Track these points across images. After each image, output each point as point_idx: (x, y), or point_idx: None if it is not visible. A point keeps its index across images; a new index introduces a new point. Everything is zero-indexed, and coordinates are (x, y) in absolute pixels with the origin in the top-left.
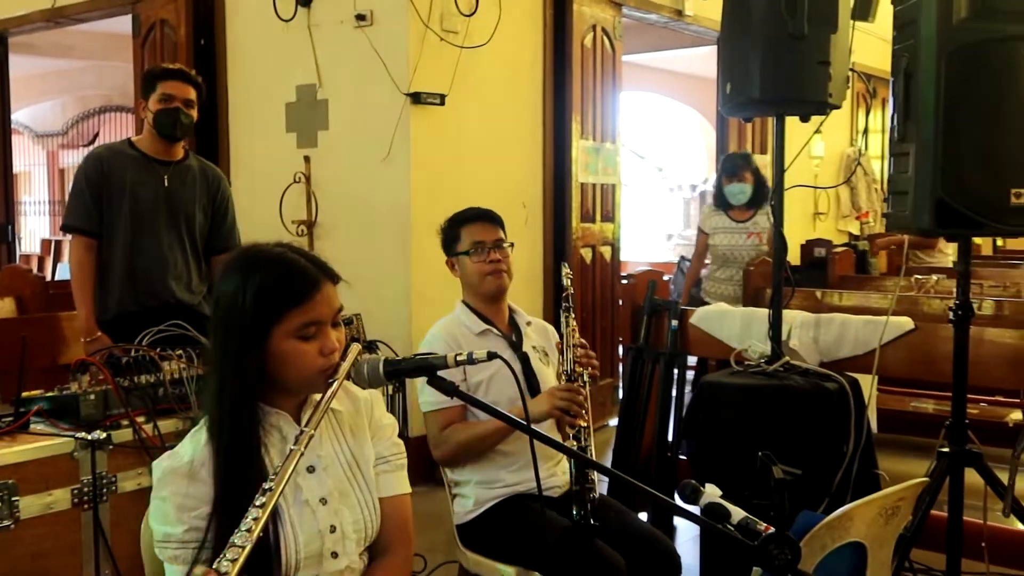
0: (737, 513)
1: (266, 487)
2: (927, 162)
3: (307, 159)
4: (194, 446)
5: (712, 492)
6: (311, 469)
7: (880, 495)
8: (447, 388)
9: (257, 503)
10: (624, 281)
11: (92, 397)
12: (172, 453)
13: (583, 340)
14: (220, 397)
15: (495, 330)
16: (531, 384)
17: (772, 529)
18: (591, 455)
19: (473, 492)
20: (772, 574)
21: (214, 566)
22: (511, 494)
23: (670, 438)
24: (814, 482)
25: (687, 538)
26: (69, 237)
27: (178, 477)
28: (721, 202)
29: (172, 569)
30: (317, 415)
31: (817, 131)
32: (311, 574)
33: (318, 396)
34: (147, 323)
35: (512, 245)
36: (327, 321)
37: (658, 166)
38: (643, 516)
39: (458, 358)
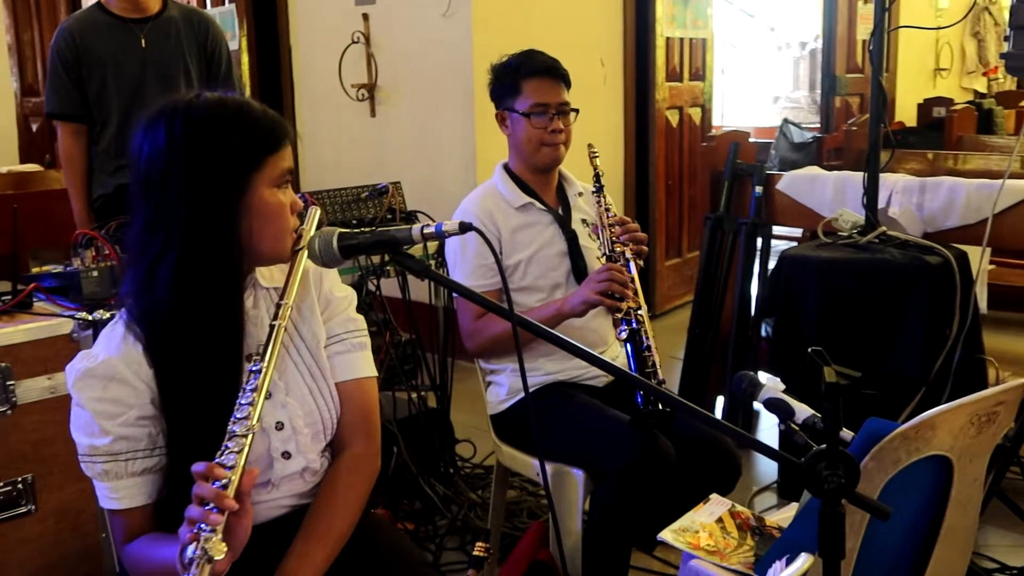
0: (802, 410)
1: (253, 368)
2: None
3: (365, 17)
4: (108, 342)
5: (772, 386)
6: (251, 359)
7: (972, 399)
8: (415, 268)
9: (248, 387)
10: (705, 144)
11: (95, 274)
12: (85, 354)
13: (624, 217)
14: (185, 273)
15: (539, 204)
16: (578, 266)
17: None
18: (646, 336)
19: (507, 380)
20: (822, 499)
21: (217, 458)
22: (549, 382)
23: (751, 316)
24: (911, 369)
25: (770, 424)
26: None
27: (94, 379)
28: None
29: (103, 487)
30: (292, 284)
31: None
32: (261, 479)
33: (263, 279)
34: None
35: (577, 112)
36: (290, 176)
37: (769, 25)
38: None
39: (424, 230)
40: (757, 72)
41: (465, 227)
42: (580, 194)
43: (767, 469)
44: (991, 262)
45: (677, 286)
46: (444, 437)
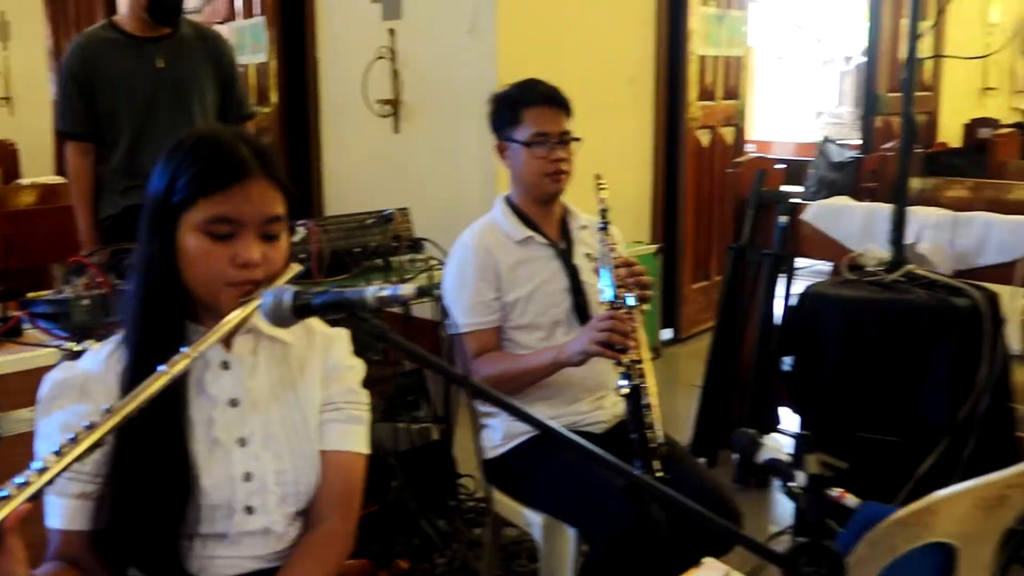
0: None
1: (105, 408)
2: None
3: (392, 32)
4: (93, 357)
5: (773, 446)
6: (234, 403)
7: (978, 483)
8: (371, 333)
9: (85, 423)
10: (730, 170)
11: (86, 303)
12: (67, 364)
13: (629, 259)
14: (132, 298)
15: (540, 237)
16: (579, 304)
17: (845, 496)
18: (646, 393)
19: (502, 424)
20: None
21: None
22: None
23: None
24: (935, 416)
25: None
26: None
27: (68, 390)
28: None
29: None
30: (209, 337)
31: None
32: (219, 530)
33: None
34: None
35: (578, 140)
36: (250, 225)
37: (817, 37)
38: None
39: (380, 294)
40: (803, 85)
41: (423, 292)
42: (584, 227)
43: (785, 510)
44: None
45: (704, 310)
46: (446, 471)
